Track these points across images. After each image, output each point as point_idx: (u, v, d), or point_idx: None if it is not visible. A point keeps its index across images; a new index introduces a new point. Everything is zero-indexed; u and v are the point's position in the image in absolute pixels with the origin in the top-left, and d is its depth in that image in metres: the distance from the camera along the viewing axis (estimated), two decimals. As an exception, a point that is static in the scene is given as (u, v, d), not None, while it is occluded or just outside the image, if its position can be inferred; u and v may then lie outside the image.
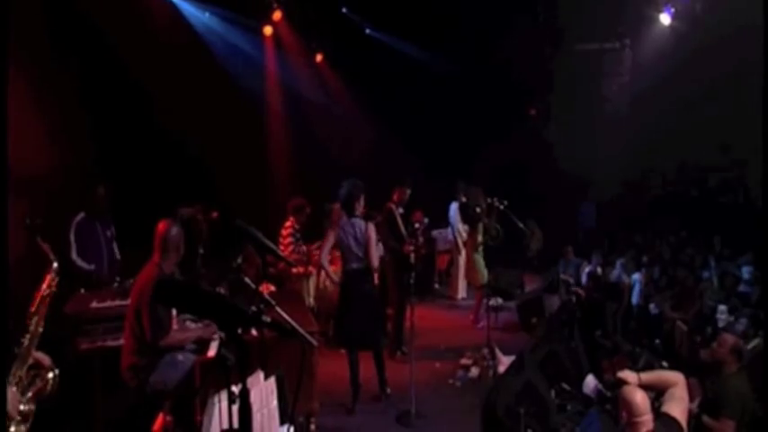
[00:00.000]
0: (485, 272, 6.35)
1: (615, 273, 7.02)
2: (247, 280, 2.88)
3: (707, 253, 7.15)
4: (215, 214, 5.24)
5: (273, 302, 2.85)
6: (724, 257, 7.05)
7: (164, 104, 6.46)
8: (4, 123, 1.91)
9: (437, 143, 9.78)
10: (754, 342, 4.23)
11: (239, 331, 1.48)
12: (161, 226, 3.31)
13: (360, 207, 4.41)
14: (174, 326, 3.27)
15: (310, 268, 5.98)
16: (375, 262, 4.48)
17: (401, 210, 4.70)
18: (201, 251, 4.62)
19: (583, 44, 10.49)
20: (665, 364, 4.25)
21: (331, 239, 4.49)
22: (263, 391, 2.53)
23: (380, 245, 5.30)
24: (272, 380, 2.53)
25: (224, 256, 3.34)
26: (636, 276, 6.77)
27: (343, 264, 4.49)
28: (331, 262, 6.43)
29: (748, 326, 4.64)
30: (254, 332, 3.20)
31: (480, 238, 6.43)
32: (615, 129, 10.28)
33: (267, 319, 1.52)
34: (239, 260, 2.93)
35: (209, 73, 7.40)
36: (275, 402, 2.48)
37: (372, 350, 4.51)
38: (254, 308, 2.84)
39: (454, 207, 7.95)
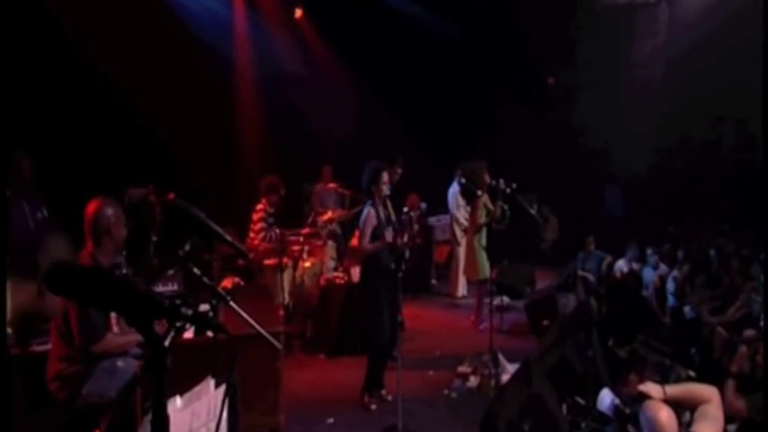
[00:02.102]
0: (486, 265, 6.25)
1: (644, 269, 6.95)
2: (196, 270, 2.74)
3: (757, 246, 7.00)
4: (171, 196, 5.11)
5: (228, 297, 2.74)
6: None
7: (111, 67, 6.32)
8: None
9: (437, 116, 9.69)
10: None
11: (155, 326, 1.36)
12: (90, 207, 3.14)
13: (378, 189, 4.53)
14: (114, 328, 3.13)
15: (285, 260, 5.88)
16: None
17: (387, 192, 4.59)
18: (154, 239, 4.49)
19: (610, -1, 10.31)
20: (691, 373, 4.18)
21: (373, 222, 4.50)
22: (212, 401, 2.42)
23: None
24: (226, 389, 2.41)
25: (176, 245, 3.21)
26: (664, 271, 6.69)
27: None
28: (310, 253, 6.41)
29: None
30: (209, 333, 3.17)
31: (482, 219, 6.33)
32: (647, 99, 10.11)
33: (188, 311, 1.40)
34: (187, 247, 2.79)
35: (166, 31, 7.25)
36: (225, 415, 2.36)
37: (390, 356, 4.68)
38: (208, 304, 2.78)
39: (453, 191, 7.87)
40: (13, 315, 2.18)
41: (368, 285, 4.60)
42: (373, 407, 4.59)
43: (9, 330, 2.19)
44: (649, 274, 6.88)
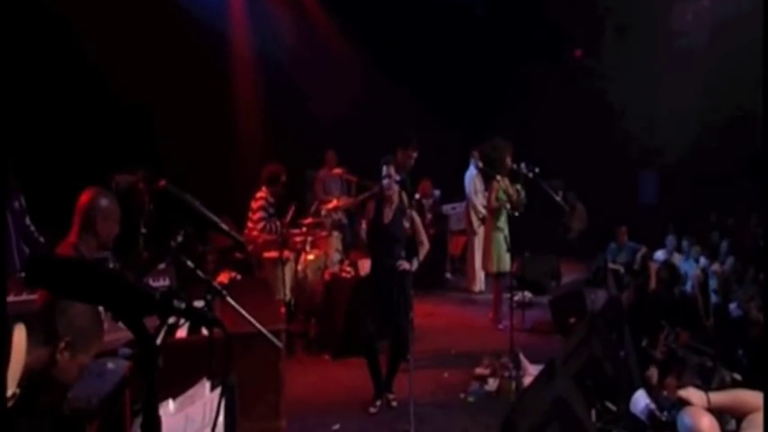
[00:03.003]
0: (506, 257, 6.23)
1: (684, 262, 6.90)
2: (190, 263, 2.73)
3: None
4: (162, 183, 5.13)
5: (224, 293, 2.73)
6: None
7: (96, 44, 6.32)
8: None
9: (452, 93, 9.63)
10: None
11: (145, 322, 1.35)
12: (85, 196, 3.15)
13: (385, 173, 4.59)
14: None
15: (287, 252, 5.89)
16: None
17: (397, 177, 4.59)
18: (144, 230, 4.51)
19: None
20: (737, 377, 4.14)
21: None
22: (208, 405, 2.43)
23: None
24: (222, 391, 2.41)
25: (168, 236, 3.22)
26: (705, 264, 6.63)
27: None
28: (313, 245, 6.42)
29: None
30: (203, 331, 3.17)
31: (496, 202, 6.29)
32: (688, 72, 9.92)
33: (180, 304, 1.39)
34: (179, 239, 2.78)
35: (155, 5, 7.24)
36: (222, 419, 2.37)
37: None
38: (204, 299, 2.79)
39: (470, 175, 7.84)
40: (22, 376, 2.20)
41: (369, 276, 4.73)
42: (372, 410, 4.59)
43: (16, 390, 2.20)
44: (689, 268, 6.82)
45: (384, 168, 4.56)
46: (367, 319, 4.56)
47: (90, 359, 2.45)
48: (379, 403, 4.63)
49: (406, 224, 4.56)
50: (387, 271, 4.51)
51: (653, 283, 5.83)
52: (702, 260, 6.95)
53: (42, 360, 2.19)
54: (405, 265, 4.48)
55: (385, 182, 4.54)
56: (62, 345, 2.22)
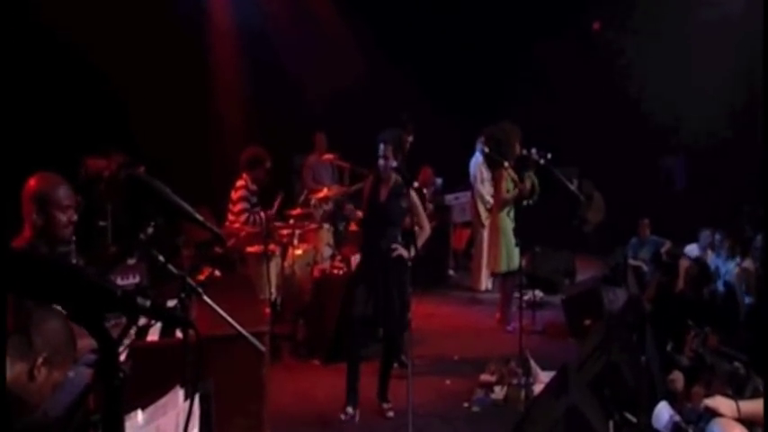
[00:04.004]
0: (515, 252, 6.21)
1: (714, 258, 6.89)
2: (161, 258, 2.70)
3: None
4: (142, 169, 5.16)
5: (201, 291, 2.71)
6: None
7: (67, 19, 6.28)
8: None
9: (456, 74, 9.59)
10: None
11: (107, 324, 1.33)
12: (34, 182, 3.05)
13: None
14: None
15: (272, 246, 5.88)
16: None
17: (394, 163, 4.57)
18: (102, 223, 4.48)
19: None
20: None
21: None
22: (182, 416, 2.41)
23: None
24: (195, 400, 2.39)
25: (137, 227, 3.19)
26: (739, 261, 6.62)
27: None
28: (302, 238, 6.41)
29: None
30: (178, 333, 3.14)
31: (507, 194, 6.26)
32: (720, 45, 9.86)
33: (146, 302, 1.36)
34: (150, 231, 2.75)
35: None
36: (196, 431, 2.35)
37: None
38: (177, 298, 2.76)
39: (475, 162, 7.82)
40: None
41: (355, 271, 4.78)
42: (343, 416, 4.59)
43: None
44: (721, 264, 6.81)
45: (381, 147, 4.55)
46: (355, 320, 4.55)
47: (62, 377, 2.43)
48: (350, 410, 4.62)
49: (404, 204, 4.54)
50: (380, 256, 4.50)
51: (681, 282, 5.83)
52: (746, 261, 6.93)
53: (21, 378, 2.17)
54: (400, 250, 4.47)
55: (380, 162, 4.53)
56: (40, 361, 2.19)
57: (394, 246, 4.50)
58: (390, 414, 4.67)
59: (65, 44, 6.45)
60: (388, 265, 4.51)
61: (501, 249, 6.40)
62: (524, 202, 6.21)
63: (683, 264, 6.51)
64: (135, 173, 2.21)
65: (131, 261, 3.93)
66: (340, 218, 6.48)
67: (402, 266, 4.44)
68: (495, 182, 6.59)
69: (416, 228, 4.61)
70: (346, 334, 4.77)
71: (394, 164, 4.58)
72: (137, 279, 3.91)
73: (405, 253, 4.45)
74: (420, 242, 4.58)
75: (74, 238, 3.34)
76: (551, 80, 9.51)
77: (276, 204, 6.02)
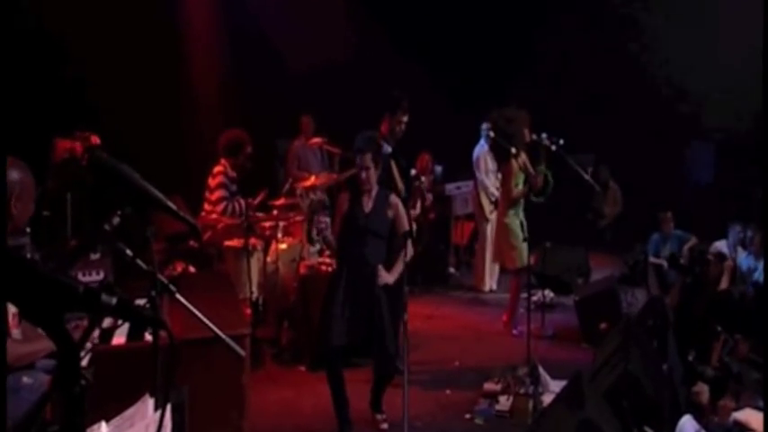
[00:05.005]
0: (523, 248, 6.19)
1: (742, 257, 6.89)
2: (129, 252, 2.68)
3: None
4: (95, 140, 5.16)
5: (173, 288, 2.72)
6: None
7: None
8: None
9: (459, 48, 9.58)
10: None
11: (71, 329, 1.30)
12: None
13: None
14: (13, 330, 3.08)
15: (253, 240, 5.88)
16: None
17: (389, 149, 4.54)
18: (45, 213, 4.46)
19: None
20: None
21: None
22: (152, 427, 2.39)
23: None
24: (167, 410, 2.37)
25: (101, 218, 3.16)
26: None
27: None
28: (286, 231, 6.39)
29: None
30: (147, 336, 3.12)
31: (518, 188, 6.28)
32: (753, 21, 9.82)
33: (111, 299, 1.34)
34: (115, 221, 2.72)
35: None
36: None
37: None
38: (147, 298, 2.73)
39: (480, 149, 7.82)
40: None
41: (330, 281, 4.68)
42: None
43: None
44: (751, 264, 6.81)
45: (359, 159, 4.46)
46: (330, 330, 4.43)
47: None
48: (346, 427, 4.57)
49: (390, 214, 4.49)
50: (366, 278, 4.41)
51: (724, 282, 5.82)
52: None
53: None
54: (384, 277, 4.41)
55: (363, 175, 4.47)
56: None
57: (380, 270, 4.39)
58: (384, 426, 4.66)
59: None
60: (378, 289, 4.41)
61: (511, 245, 6.37)
62: (533, 198, 6.20)
63: (715, 262, 6.50)
64: (98, 155, 2.16)
65: (95, 256, 3.90)
66: (313, 232, 6.42)
67: (395, 285, 4.40)
68: (504, 177, 6.57)
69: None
70: (323, 354, 4.59)
71: (389, 149, 4.55)
72: (101, 276, 3.89)
73: (390, 279, 4.40)
74: (408, 256, 4.48)
75: (28, 230, 3.31)
76: (564, 58, 9.49)
77: (258, 200, 6.00)
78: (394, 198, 4.53)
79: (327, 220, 4.70)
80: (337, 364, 4.52)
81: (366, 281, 4.43)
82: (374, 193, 4.54)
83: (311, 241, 6.48)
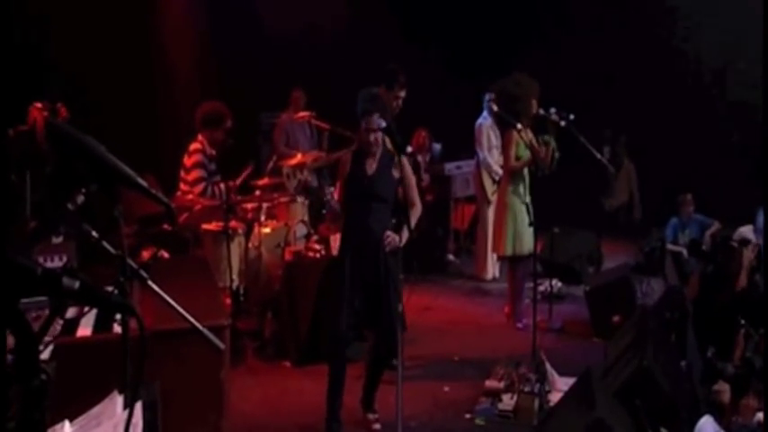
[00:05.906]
0: (528, 233, 6.19)
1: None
2: (95, 234, 2.66)
3: None
4: (65, 128, 5.14)
5: (144, 274, 2.70)
6: None
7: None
8: None
9: (459, 15, 9.58)
10: None
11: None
12: None
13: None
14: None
15: (234, 223, 5.90)
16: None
17: (383, 123, 4.53)
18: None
19: None
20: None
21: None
22: (120, 427, 2.38)
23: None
24: (137, 407, 2.37)
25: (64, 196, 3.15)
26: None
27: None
28: (270, 214, 6.39)
29: None
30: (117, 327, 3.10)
31: (514, 160, 6.26)
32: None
33: (74, 283, 1.32)
34: (79, 200, 2.70)
35: None
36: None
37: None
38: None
39: (483, 124, 7.80)
40: None
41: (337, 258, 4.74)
42: None
43: None
44: None
45: (364, 121, 4.46)
46: (339, 312, 4.50)
47: None
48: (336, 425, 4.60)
49: (396, 174, 4.50)
50: (371, 246, 4.45)
51: (742, 280, 5.83)
52: None
53: None
54: (394, 238, 4.42)
55: (371, 138, 4.46)
56: None
57: (387, 233, 4.43)
58: (377, 426, 4.68)
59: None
60: (380, 256, 4.46)
61: (506, 228, 6.36)
62: (539, 172, 6.17)
63: (739, 251, 6.49)
64: (56, 124, 2.12)
65: (57, 239, 3.88)
66: (318, 201, 6.42)
67: (395, 255, 4.42)
68: (504, 147, 6.55)
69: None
70: (331, 338, 4.68)
71: (383, 124, 4.53)
72: (63, 260, 3.86)
73: (398, 240, 4.40)
74: (413, 221, 4.54)
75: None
76: (576, 23, 9.46)
77: (242, 178, 5.98)
78: (401, 159, 4.51)
79: (332, 189, 4.74)
80: (344, 353, 4.56)
81: (371, 250, 4.45)
82: (379, 154, 4.55)
83: (321, 218, 6.51)
